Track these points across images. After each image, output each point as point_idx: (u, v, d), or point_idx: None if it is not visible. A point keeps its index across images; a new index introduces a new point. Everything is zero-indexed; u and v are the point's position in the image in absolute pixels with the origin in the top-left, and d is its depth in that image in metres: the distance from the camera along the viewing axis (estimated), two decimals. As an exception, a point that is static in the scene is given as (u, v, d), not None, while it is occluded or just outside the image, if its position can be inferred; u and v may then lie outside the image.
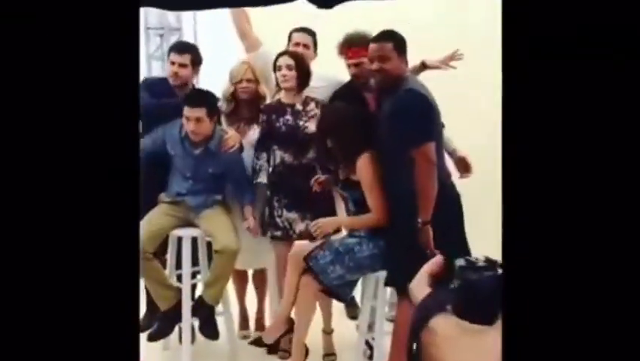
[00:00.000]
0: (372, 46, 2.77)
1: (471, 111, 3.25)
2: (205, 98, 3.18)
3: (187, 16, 6.53)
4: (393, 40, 2.73)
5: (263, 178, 3.35)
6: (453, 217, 2.76)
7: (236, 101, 3.42)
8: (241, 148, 3.30)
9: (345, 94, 3.28)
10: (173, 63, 3.37)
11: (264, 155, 3.34)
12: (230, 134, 3.29)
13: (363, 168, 2.83)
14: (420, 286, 0.72)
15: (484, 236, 2.75)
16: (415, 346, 0.64)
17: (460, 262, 0.69)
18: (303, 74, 3.22)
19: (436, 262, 0.75)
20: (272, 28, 3.70)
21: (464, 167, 3.21)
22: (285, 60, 3.18)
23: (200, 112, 3.10)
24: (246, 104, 3.42)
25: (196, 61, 3.42)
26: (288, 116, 3.25)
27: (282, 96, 3.31)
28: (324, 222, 2.96)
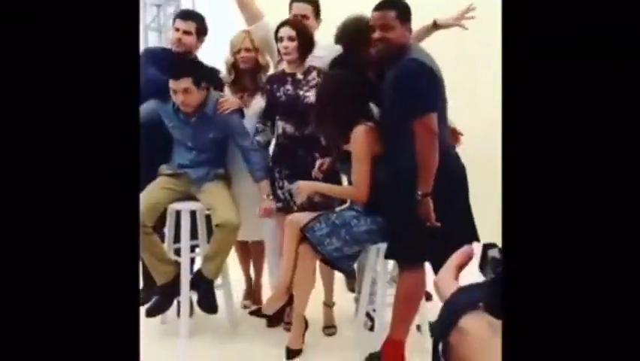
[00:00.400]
0: (374, 14, 2.70)
1: (470, 111, 3.22)
2: (189, 67, 3.13)
3: (185, -14, 6.46)
4: (396, 8, 2.66)
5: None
6: (457, 189, 2.74)
7: (237, 71, 3.39)
8: (242, 113, 3.27)
9: (344, 61, 3.23)
10: (177, 30, 3.31)
11: (267, 125, 3.32)
12: (227, 97, 3.26)
13: (358, 140, 2.80)
14: (447, 281, 0.64)
15: (484, 230, 2.76)
16: (440, 346, 0.58)
17: (493, 252, 0.62)
18: (305, 44, 3.17)
19: (465, 252, 0.67)
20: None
21: (453, 138, 3.11)
22: (287, 31, 3.12)
23: (186, 82, 3.05)
24: (247, 73, 3.39)
25: (201, 30, 3.37)
26: (288, 86, 3.20)
27: (285, 66, 3.27)
28: (301, 185, 2.94)
